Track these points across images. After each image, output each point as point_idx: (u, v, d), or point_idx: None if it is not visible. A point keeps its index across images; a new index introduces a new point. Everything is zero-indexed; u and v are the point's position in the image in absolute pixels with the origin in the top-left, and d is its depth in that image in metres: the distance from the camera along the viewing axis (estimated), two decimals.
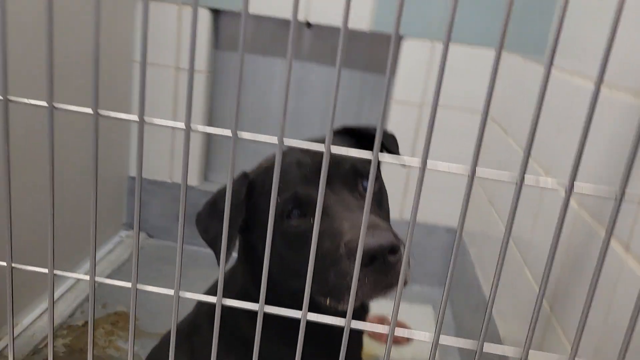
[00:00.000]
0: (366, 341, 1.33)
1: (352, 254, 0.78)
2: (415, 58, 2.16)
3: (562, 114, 1.38)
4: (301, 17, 2.18)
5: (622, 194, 0.52)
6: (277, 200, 0.86)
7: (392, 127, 2.22)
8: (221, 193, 0.98)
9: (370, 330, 0.90)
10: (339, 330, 0.94)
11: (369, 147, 1.07)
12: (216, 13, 2.29)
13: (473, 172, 0.54)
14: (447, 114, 2.15)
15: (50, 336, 0.64)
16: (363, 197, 0.94)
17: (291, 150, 0.95)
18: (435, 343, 0.61)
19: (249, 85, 2.39)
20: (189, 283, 2.22)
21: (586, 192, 0.54)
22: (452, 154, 2.15)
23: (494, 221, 1.85)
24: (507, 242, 0.56)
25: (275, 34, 2.34)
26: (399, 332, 0.70)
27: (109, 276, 2.12)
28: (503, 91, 1.98)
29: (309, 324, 0.63)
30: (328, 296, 0.84)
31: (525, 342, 0.60)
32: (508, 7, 0.46)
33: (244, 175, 0.97)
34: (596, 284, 0.54)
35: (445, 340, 0.61)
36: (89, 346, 0.60)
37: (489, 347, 0.61)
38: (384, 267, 0.77)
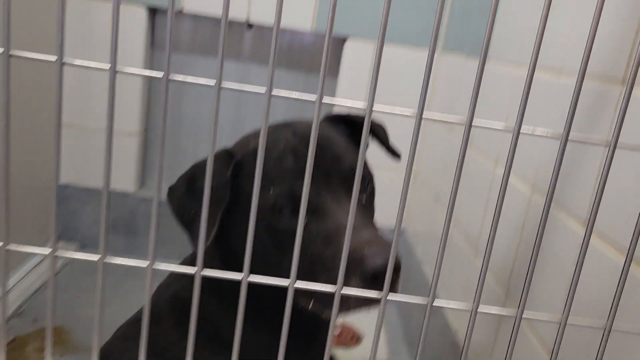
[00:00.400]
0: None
1: (355, 267, 0.73)
2: (358, 59, 2.17)
3: (508, 104, 1.41)
4: (242, 17, 2.14)
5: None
6: (268, 189, 0.80)
7: (342, 96, 2.20)
8: (200, 168, 0.89)
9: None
10: (315, 323, 0.90)
11: (359, 135, 1.04)
12: (153, 12, 2.21)
13: (470, 122, 0.52)
14: (396, 81, 2.16)
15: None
16: (360, 200, 0.89)
17: (282, 134, 0.89)
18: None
19: (187, 87, 2.32)
20: (121, 294, 2.11)
21: (578, 139, 0.54)
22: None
23: (440, 218, 1.87)
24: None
25: (215, 34, 2.28)
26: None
27: (37, 290, 1.96)
28: (446, 90, 2.02)
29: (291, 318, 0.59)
30: (312, 300, 0.80)
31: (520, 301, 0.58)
32: (439, 9, 0.48)
33: (228, 154, 0.88)
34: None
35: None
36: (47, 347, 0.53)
37: (484, 308, 0.59)
38: (379, 283, 0.74)
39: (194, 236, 0.82)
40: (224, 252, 0.89)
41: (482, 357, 1.37)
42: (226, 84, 0.54)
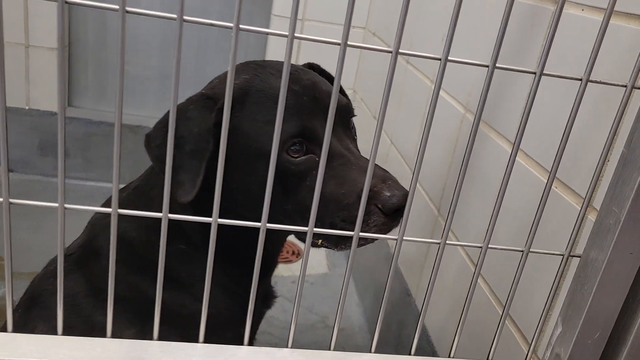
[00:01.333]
0: None
1: (375, 202, 0.77)
2: None
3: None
4: None
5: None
6: (273, 127, 0.79)
7: (272, 43, 2.13)
8: (180, 113, 0.80)
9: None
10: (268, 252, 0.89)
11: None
12: None
13: (397, 50, 0.50)
14: (327, 28, 2.10)
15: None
16: (353, 139, 0.91)
17: (266, 74, 0.84)
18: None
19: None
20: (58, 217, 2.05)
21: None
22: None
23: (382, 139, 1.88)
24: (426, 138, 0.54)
25: None
26: (321, 229, 0.68)
27: None
28: (384, 15, 1.97)
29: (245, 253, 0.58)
30: (321, 238, 0.83)
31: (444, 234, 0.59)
32: None
33: (207, 98, 0.82)
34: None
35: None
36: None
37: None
38: (397, 216, 0.79)
39: (178, 186, 0.77)
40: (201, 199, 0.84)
41: (415, 267, 1.43)
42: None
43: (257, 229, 0.85)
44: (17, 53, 2.04)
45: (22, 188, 2.13)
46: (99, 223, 0.92)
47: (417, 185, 1.45)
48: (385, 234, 0.80)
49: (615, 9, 0.56)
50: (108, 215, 0.92)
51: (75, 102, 2.28)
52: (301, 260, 2.05)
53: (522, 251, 0.64)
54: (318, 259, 2.10)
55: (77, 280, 0.85)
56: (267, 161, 0.76)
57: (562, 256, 0.64)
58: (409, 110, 1.58)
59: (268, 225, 0.58)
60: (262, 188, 0.78)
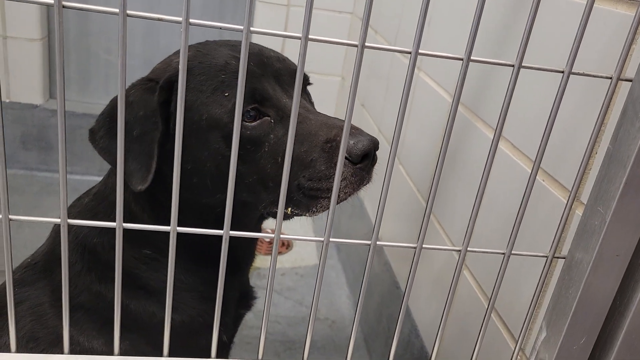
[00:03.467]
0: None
1: (335, 152, 0.74)
2: None
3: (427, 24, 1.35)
4: None
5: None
6: (223, 94, 0.74)
7: (259, 27, 2.08)
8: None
9: (254, 236, 0.83)
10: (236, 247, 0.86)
11: None
12: None
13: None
14: (315, 13, 2.05)
15: None
16: (308, 100, 0.88)
17: (211, 48, 0.81)
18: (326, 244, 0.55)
19: None
20: (44, 213, 2.02)
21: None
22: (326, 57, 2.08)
23: (366, 123, 1.84)
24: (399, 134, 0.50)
25: None
26: (288, 236, 0.66)
27: None
28: None
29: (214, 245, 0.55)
30: (290, 206, 0.79)
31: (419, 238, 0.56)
32: None
33: (148, 80, 0.79)
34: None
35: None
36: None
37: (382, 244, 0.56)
38: (369, 165, 0.76)
39: (131, 176, 0.74)
40: (161, 186, 0.81)
41: (404, 259, 1.40)
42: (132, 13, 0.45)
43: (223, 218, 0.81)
44: None
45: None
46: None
47: (403, 173, 1.41)
48: (358, 186, 0.77)
49: None
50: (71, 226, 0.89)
51: (57, 94, 2.22)
52: (290, 251, 2.02)
53: (503, 254, 0.60)
54: (308, 250, 2.07)
55: (43, 289, 0.82)
56: (219, 131, 0.75)
57: (545, 258, 0.61)
58: (397, 99, 1.54)
59: (231, 232, 0.54)
60: (217, 164, 0.76)
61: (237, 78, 0.74)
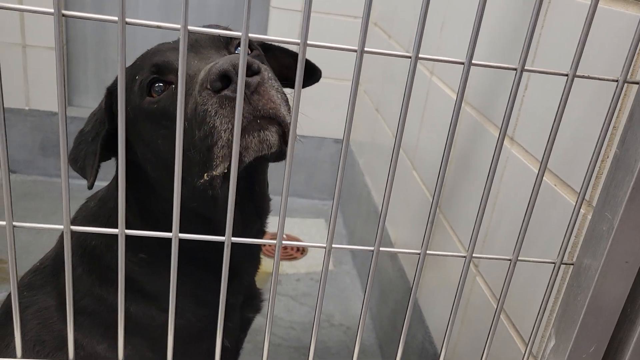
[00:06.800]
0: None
1: (205, 88, 0.65)
2: None
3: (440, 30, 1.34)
4: None
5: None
6: (134, 80, 0.74)
7: (273, 33, 2.09)
8: (87, 120, 0.86)
9: (257, 242, 0.82)
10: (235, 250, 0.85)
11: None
12: None
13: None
14: (327, 19, 2.05)
15: None
16: (259, 61, 0.77)
17: (156, 46, 0.83)
18: (329, 250, 0.55)
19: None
20: (62, 218, 2.04)
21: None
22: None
23: (381, 129, 1.83)
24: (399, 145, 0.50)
25: None
26: (290, 242, 0.65)
27: None
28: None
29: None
30: (205, 171, 0.69)
31: (422, 243, 0.55)
32: None
33: (106, 89, 0.84)
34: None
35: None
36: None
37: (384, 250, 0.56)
38: (245, 92, 0.62)
39: (87, 177, 0.78)
40: (137, 190, 0.83)
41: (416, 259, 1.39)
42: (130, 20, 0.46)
43: (219, 223, 0.80)
44: (14, 53, 2.03)
45: (25, 189, 2.12)
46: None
47: (417, 179, 1.40)
48: (257, 128, 0.66)
49: None
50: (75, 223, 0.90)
51: (75, 101, 2.26)
52: (305, 256, 2.01)
53: (509, 260, 0.59)
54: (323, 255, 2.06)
55: (50, 293, 0.83)
56: (140, 115, 0.74)
57: (553, 264, 0.60)
58: (411, 105, 1.53)
59: (233, 239, 0.54)
60: (155, 149, 0.75)
61: (144, 60, 0.77)
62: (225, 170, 0.67)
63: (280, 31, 2.08)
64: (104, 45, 2.19)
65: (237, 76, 0.56)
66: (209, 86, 0.64)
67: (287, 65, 0.97)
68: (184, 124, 0.65)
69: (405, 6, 1.69)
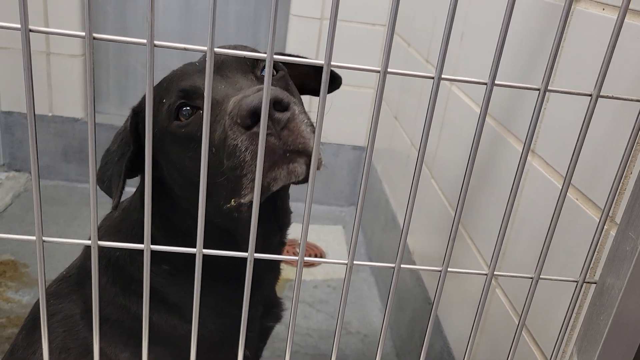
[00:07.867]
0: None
1: (235, 123, 0.65)
2: None
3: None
4: None
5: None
6: (161, 103, 0.75)
7: (292, 41, 2.10)
8: (112, 141, 0.88)
9: (279, 259, 0.83)
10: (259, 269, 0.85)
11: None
12: None
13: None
14: (348, 26, 2.06)
15: None
16: (259, 80, 0.79)
17: (184, 66, 0.84)
18: (350, 265, 0.55)
19: None
20: (84, 223, 2.08)
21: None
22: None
23: (399, 136, 1.83)
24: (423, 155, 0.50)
25: None
26: (312, 258, 0.66)
27: None
28: (405, 4, 1.91)
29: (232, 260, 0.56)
30: (232, 196, 0.71)
31: (444, 261, 0.55)
32: None
33: (131, 109, 0.85)
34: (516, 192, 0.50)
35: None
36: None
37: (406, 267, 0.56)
38: (273, 127, 0.65)
39: (112, 197, 0.80)
40: (161, 204, 0.83)
41: (436, 274, 1.38)
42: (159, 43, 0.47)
43: (240, 236, 0.80)
44: (39, 61, 2.06)
45: (47, 194, 2.16)
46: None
47: (436, 187, 1.40)
48: (284, 161, 0.67)
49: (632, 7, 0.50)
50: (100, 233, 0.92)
51: (97, 107, 2.29)
52: (319, 265, 2.02)
53: (531, 278, 0.59)
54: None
55: (76, 301, 0.85)
56: (167, 137, 0.75)
57: (576, 282, 0.60)
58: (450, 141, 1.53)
59: (256, 255, 0.55)
60: (182, 169, 0.76)
61: (171, 83, 0.77)
62: None
63: (300, 39, 2.09)
64: (124, 52, 2.22)
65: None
66: (239, 121, 0.65)
67: (305, 73, 0.97)
68: (212, 150, 0.69)
69: (424, 13, 1.69)
